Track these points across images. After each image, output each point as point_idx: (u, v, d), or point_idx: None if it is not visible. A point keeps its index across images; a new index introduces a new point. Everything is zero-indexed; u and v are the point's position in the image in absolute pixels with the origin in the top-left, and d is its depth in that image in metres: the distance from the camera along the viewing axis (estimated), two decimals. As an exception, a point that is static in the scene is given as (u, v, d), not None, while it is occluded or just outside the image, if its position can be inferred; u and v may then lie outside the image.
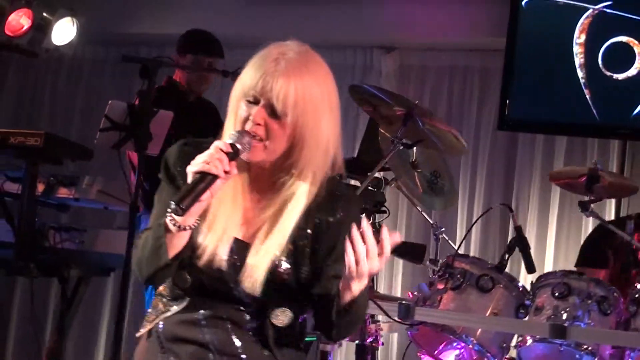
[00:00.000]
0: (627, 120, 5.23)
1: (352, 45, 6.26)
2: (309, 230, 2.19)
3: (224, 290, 2.20)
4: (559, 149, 5.79)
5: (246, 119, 2.12)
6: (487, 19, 5.68)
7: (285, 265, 2.18)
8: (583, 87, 5.26)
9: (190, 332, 2.23)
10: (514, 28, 5.42)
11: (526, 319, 3.53)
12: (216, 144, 2.07)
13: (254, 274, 2.14)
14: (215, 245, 2.15)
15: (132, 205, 3.88)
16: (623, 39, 5.25)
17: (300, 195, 2.17)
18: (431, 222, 4.25)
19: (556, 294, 3.43)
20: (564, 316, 3.27)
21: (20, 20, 5.18)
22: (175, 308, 2.25)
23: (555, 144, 5.78)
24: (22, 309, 6.67)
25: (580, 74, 5.26)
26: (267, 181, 2.21)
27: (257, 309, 2.22)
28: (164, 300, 2.29)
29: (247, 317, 2.23)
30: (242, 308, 2.23)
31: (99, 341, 6.63)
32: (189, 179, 2.04)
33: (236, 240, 2.18)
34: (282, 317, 2.25)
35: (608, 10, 5.26)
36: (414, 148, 4.08)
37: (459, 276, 3.56)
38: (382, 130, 3.88)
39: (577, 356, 3.52)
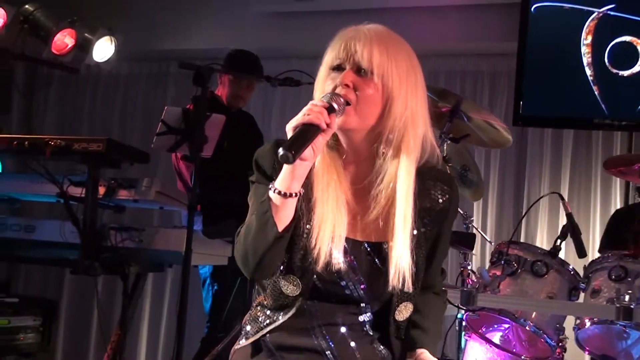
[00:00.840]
0: (633, 114, 5.07)
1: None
2: (419, 218, 1.97)
3: (339, 292, 1.95)
4: (566, 144, 5.62)
5: (334, 88, 1.89)
6: (497, 24, 5.40)
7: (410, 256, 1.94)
8: (592, 84, 5.13)
9: (302, 340, 1.97)
10: (525, 32, 5.28)
11: (581, 300, 3.19)
12: (311, 102, 1.84)
13: (402, 273, 1.90)
14: (329, 247, 1.89)
15: (191, 204, 3.57)
16: (627, 38, 5.13)
17: (403, 178, 1.91)
18: (461, 212, 4.02)
19: (613, 277, 3.14)
20: (627, 298, 2.93)
21: (64, 40, 5.02)
22: (280, 318, 1.98)
23: (562, 138, 5.62)
24: (71, 306, 6.32)
25: (588, 72, 5.09)
26: (363, 163, 1.96)
27: (380, 307, 1.99)
28: (267, 311, 2.01)
29: (363, 317, 1.99)
30: (356, 310, 1.98)
31: (140, 336, 6.28)
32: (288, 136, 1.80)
33: (347, 239, 1.93)
34: (404, 311, 2.01)
35: (612, 13, 5.13)
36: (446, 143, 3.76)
37: (514, 263, 3.25)
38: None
39: (630, 335, 3.16)
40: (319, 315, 1.95)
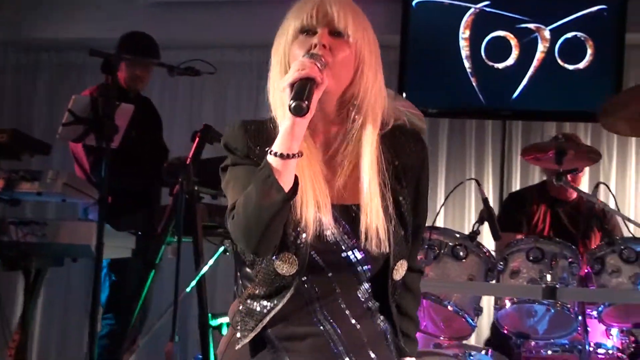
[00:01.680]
0: (508, 103, 5.32)
1: (251, 45, 5.76)
2: (394, 177, 1.88)
3: (338, 261, 1.82)
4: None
5: (308, 50, 1.77)
6: (380, 17, 5.34)
7: (394, 215, 1.85)
8: (470, 75, 5.29)
9: (304, 328, 1.83)
10: (406, 26, 5.43)
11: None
12: (298, 59, 1.73)
13: (378, 234, 1.79)
14: (317, 216, 1.78)
15: (102, 196, 3.31)
16: (501, 33, 5.38)
17: (368, 136, 1.83)
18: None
19: (531, 258, 3.17)
20: (548, 278, 2.95)
21: None
22: (279, 303, 1.82)
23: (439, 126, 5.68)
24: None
25: (466, 64, 5.27)
26: (332, 128, 1.87)
27: (378, 270, 1.86)
28: (262, 301, 1.85)
29: (362, 288, 1.86)
30: (355, 278, 1.85)
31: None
32: (285, 94, 1.70)
33: (334, 205, 1.81)
34: (401, 270, 1.90)
35: (487, 9, 5.37)
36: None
37: (436, 247, 3.20)
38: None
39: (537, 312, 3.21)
40: (318, 292, 1.83)
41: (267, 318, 1.82)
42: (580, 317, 3.33)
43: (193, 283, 3.47)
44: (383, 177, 1.84)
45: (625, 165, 5.44)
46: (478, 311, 3.41)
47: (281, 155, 1.68)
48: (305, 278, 1.81)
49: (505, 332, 3.44)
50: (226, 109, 5.98)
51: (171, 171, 3.98)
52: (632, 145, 5.43)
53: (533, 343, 3.51)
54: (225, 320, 3.71)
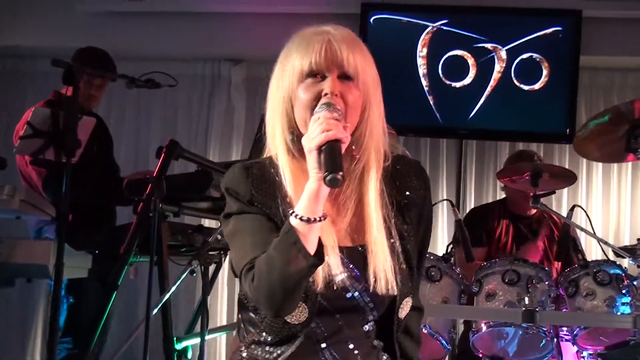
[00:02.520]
0: (464, 122, 5.33)
1: (202, 58, 5.63)
2: (399, 212, 1.84)
3: (346, 305, 1.78)
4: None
5: (317, 97, 1.72)
6: (337, 33, 5.29)
7: (401, 252, 1.81)
8: (427, 94, 5.24)
9: None
10: (364, 42, 5.07)
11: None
12: (319, 115, 1.67)
13: (386, 276, 1.74)
14: (326, 262, 1.70)
15: (63, 213, 3.17)
16: (458, 52, 5.34)
17: (372, 174, 1.78)
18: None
19: (506, 280, 3.14)
20: (526, 301, 2.93)
21: None
22: (287, 350, 1.78)
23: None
24: None
25: (424, 82, 5.27)
26: None
27: (385, 309, 1.82)
28: (267, 347, 1.81)
29: (367, 327, 1.82)
30: (361, 318, 1.81)
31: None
32: (312, 156, 1.64)
33: (340, 248, 1.76)
34: (406, 308, 1.87)
35: (445, 27, 5.36)
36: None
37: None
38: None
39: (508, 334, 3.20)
40: (326, 333, 1.78)
41: None
42: (555, 340, 3.33)
43: (159, 305, 3.34)
44: (387, 212, 1.81)
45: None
46: (452, 334, 3.38)
47: (307, 220, 1.63)
48: (313, 324, 1.76)
49: (480, 355, 3.41)
50: (177, 123, 5.84)
51: (133, 188, 3.85)
52: (583, 166, 5.52)
53: (504, 366, 3.50)
54: (189, 343, 3.59)
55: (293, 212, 1.63)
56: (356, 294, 1.76)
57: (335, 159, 1.61)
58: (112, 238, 3.75)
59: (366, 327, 1.82)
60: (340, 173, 1.60)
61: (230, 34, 5.60)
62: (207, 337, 3.37)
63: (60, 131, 3.43)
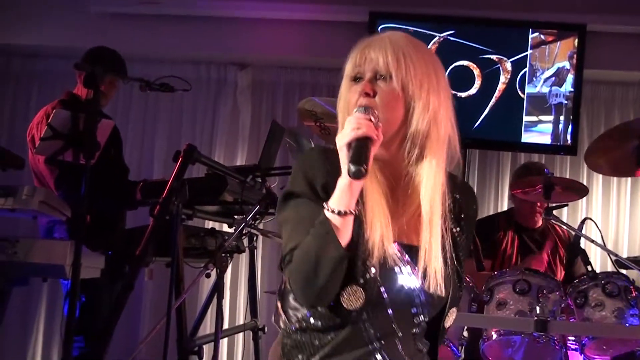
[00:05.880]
0: (470, 132, 5.33)
1: (208, 61, 5.70)
2: (454, 220, 1.90)
3: (402, 299, 1.81)
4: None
5: (356, 100, 1.83)
6: (345, 41, 5.34)
7: (454, 258, 1.87)
8: None
9: None
10: None
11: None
12: (354, 116, 1.76)
13: (436, 276, 1.80)
14: (383, 250, 1.77)
15: (81, 214, 3.23)
16: (464, 63, 5.41)
17: (428, 178, 1.82)
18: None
19: (517, 290, 3.21)
20: (537, 310, 3.02)
21: None
22: (336, 339, 1.81)
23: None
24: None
25: None
26: (392, 169, 1.87)
27: (436, 314, 1.88)
28: (316, 334, 1.85)
29: (416, 330, 1.87)
30: (412, 320, 1.85)
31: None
32: (342, 152, 1.74)
33: (401, 244, 1.83)
34: (451, 317, 1.93)
35: (451, 38, 5.44)
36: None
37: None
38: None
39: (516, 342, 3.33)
40: (379, 332, 1.81)
41: (321, 353, 1.81)
42: (564, 349, 3.41)
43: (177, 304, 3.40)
44: (445, 215, 1.84)
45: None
46: (462, 341, 3.45)
47: (339, 213, 1.70)
48: (365, 315, 1.79)
49: (489, 362, 3.50)
50: (182, 126, 5.88)
51: (148, 191, 3.90)
52: (584, 178, 5.62)
53: (511, 373, 3.58)
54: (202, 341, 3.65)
55: (326, 205, 1.71)
56: (415, 287, 1.81)
57: (359, 153, 1.69)
58: (126, 239, 3.80)
59: (414, 330, 1.86)
60: (364, 166, 1.67)
61: (236, 39, 5.67)
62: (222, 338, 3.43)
63: (79, 133, 3.49)
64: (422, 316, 1.85)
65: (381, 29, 5.35)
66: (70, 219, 3.75)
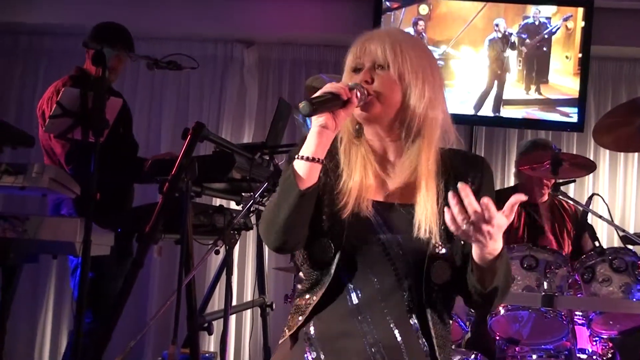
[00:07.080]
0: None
1: (214, 39, 5.69)
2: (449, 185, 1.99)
3: (375, 252, 1.94)
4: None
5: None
6: (350, 17, 5.39)
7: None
8: None
9: (345, 327, 1.93)
10: (377, 26, 5.23)
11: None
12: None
13: (426, 224, 1.91)
14: (357, 205, 1.94)
15: (91, 192, 3.25)
16: None
17: (425, 156, 1.97)
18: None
19: (525, 265, 3.23)
20: (545, 286, 3.03)
21: None
22: (318, 293, 1.96)
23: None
24: None
25: None
26: (389, 150, 2.03)
27: (416, 268, 1.94)
28: (305, 296, 2.01)
29: (404, 288, 1.93)
30: (395, 278, 1.94)
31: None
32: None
33: (376, 202, 1.98)
34: (441, 273, 1.96)
35: None
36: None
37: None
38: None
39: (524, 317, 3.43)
40: (361, 295, 1.93)
41: (307, 311, 1.95)
42: (570, 324, 3.43)
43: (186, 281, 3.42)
44: (438, 183, 1.97)
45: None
46: (470, 316, 3.47)
47: (302, 157, 1.88)
48: (342, 267, 1.92)
49: (497, 338, 3.51)
50: (189, 104, 5.89)
51: (157, 168, 3.91)
52: (591, 154, 5.63)
53: (518, 348, 3.60)
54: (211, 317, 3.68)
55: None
56: (385, 239, 1.92)
57: (318, 98, 1.85)
58: (135, 217, 3.82)
59: (402, 293, 1.91)
60: (312, 103, 1.82)
61: (243, 16, 5.67)
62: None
63: (88, 111, 3.50)
64: (401, 264, 1.92)
65: (386, 5, 5.35)
66: (80, 196, 3.78)
